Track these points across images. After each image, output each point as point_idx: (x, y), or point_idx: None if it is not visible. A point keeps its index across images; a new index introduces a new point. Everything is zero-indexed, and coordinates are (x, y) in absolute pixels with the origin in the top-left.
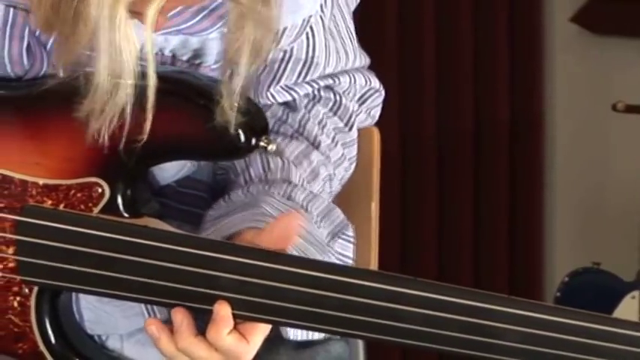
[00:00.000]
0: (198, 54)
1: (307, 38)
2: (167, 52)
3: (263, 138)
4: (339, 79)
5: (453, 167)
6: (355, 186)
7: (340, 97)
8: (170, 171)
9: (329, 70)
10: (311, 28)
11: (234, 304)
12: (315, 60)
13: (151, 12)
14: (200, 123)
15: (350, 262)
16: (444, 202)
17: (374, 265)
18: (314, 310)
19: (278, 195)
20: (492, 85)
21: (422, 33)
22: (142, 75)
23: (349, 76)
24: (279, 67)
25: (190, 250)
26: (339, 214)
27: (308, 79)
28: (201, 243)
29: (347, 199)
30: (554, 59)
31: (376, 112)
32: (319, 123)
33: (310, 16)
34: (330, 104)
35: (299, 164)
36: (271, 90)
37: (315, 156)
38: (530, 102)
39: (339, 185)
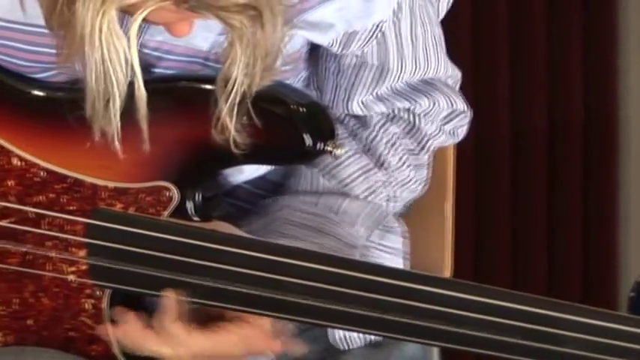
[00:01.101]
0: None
1: (379, 43)
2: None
3: (329, 142)
4: (416, 102)
5: (527, 167)
6: (429, 186)
7: (416, 120)
8: (244, 172)
9: (405, 77)
10: (383, 33)
11: (296, 310)
12: (388, 66)
13: (134, 27)
14: (268, 128)
15: (394, 251)
16: (518, 202)
17: (448, 264)
18: (380, 315)
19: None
20: (566, 85)
21: (495, 33)
22: (170, 79)
23: (429, 98)
24: (352, 72)
25: (257, 255)
26: (375, 208)
27: (383, 85)
28: (268, 247)
29: (421, 198)
30: (629, 59)
31: (461, 132)
32: (388, 142)
33: (382, 22)
34: (404, 125)
35: (355, 179)
36: (348, 102)
37: (376, 176)
38: (604, 102)
39: (402, 207)
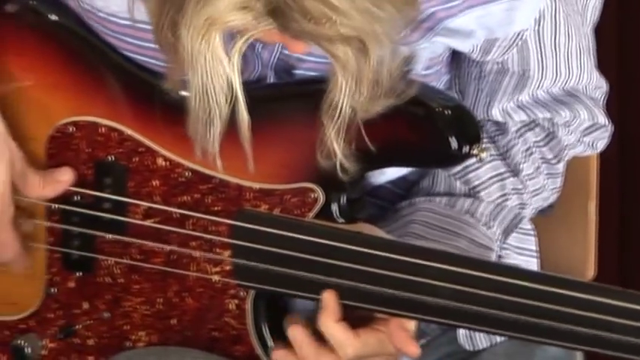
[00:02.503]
0: (407, 62)
1: (519, 51)
2: None
3: (475, 146)
4: (557, 112)
5: None
6: (572, 185)
7: (556, 129)
8: (386, 173)
9: (546, 85)
10: (524, 41)
11: (440, 311)
12: (528, 73)
13: (237, 47)
14: (413, 130)
15: (531, 254)
16: None
17: (591, 266)
18: (525, 318)
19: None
20: None
21: None
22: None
23: (571, 109)
24: (493, 78)
25: (403, 258)
26: (510, 211)
27: (523, 92)
28: (413, 250)
29: (563, 198)
30: None
31: (601, 144)
32: (526, 150)
33: (523, 30)
34: (543, 134)
35: (490, 185)
36: (489, 108)
37: (510, 183)
38: None
39: (532, 213)
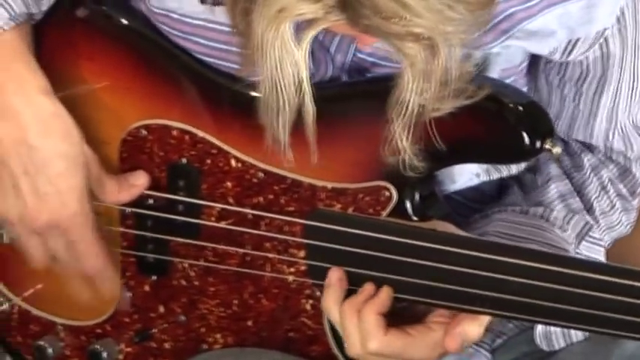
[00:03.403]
0: (480, 65)
1: (601, 50)
2: None
3: (547, 141)
4: (632, 145)
5: None
6: None
7: (630, 164)
8: (457, 181)
9: (623, 90)
10: (605, 40)
11: (516, 307)
12: (608, 73)
13: (307, 37)
14: (485, 125)
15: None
16: None
17: None
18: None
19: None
20: None
21: None
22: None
23: None
24: (575, 84)
25: (480, 254)
26: (582, 218)
27: (603, 97)
28: (488, 246)
29: None
30: None
31: None
32: (600, 187)
33: (605, 29)
34: (617, 170)
35: (566, 224)
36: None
37: (583, 218)
38: None
39: (608, 245)
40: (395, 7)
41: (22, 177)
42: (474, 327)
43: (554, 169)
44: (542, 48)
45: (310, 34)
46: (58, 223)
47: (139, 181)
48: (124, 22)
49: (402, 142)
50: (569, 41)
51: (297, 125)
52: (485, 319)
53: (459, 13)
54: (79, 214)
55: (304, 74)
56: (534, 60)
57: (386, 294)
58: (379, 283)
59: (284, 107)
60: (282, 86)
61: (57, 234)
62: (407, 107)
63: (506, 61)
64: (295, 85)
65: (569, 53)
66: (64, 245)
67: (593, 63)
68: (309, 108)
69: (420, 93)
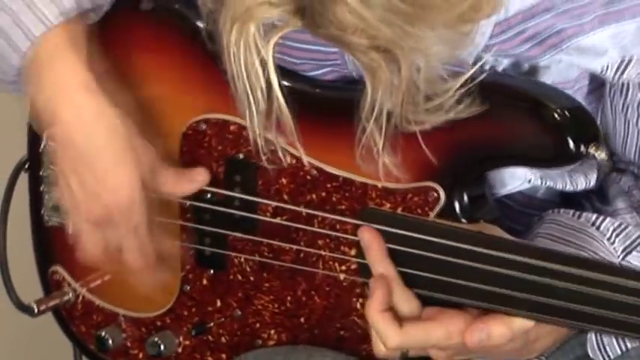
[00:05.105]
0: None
1: None
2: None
3: (592, 145)
4: None
5: None
6: None
7: None
8: (507, 185)
9: None
10: None
11: (561, 313)
12: None
13: (272, 40)
14: (531, 128)
15: None
16: None
17: None
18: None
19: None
20: None
21: None
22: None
23: None
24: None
25: (526, 260)
26: (636, 229)
27: None
28: (536, 252)
29: None
30: None
31: None
32: None
33: None
34: None
35: (615, 236)
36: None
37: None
38: None
39: None
40: (352, 20)
41: (71, 175)
42: (499, 328)
43: (620, 203)
44: (594, 65)
45: (274, 39)
46: (111, 216)
47: (200, 177)
48: (200, 24)
49: (377, 147)
50: (623, 59)
51: (350, 122)
52: (514, 324)
53: (420, 30)
54: (130, 207)
55: (272, 76)
56: (600, 82)
57: (380, 290)
58: (424, 284)
59: (252, 105)
60: (248, 85)
61: (112, 227)
62: (376, 112)
63: (558, 75)
64: (264, 88)
65: (623, 72)
66: (120, 237)
67: None
68: (284, 109)
69: (388, 101)
